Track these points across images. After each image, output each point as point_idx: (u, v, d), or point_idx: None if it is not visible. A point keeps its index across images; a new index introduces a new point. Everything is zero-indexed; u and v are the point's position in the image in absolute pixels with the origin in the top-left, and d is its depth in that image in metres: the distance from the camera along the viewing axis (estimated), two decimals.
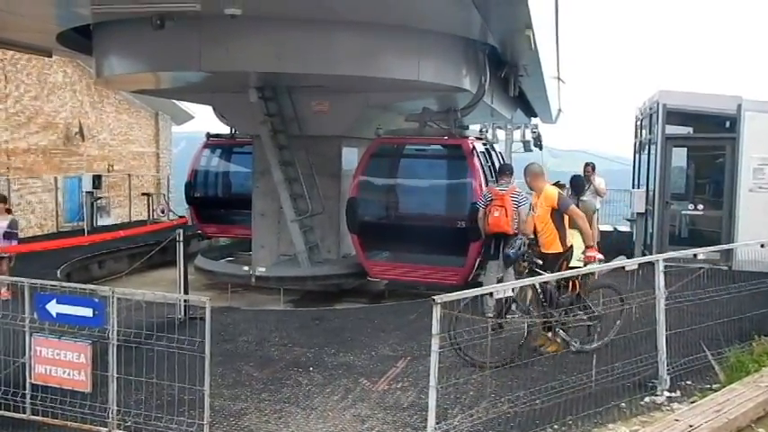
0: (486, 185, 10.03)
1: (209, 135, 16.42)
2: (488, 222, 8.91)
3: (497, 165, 11.39)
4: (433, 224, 10.94)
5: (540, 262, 6.79)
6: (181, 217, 9.13)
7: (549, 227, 6.86)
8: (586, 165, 12.01)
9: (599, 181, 11.55)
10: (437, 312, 4.94)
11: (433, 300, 4.95)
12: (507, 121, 21.67)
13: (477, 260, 10.12)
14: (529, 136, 22.75)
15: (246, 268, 11.75)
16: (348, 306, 10.67)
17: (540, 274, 6.56)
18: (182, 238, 8.57)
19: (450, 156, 11.17)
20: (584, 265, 6.73)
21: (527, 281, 6.37)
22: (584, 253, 6.73)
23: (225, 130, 15.52)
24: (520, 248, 6.75)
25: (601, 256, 6.82)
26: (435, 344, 4.97)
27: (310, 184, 12.08)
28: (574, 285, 6.74)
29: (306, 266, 11.91)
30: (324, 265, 11.98)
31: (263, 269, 11.65)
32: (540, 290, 6.66)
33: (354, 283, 11.67)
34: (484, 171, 10.53)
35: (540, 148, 22.60)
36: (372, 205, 11.30)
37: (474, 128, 12.93)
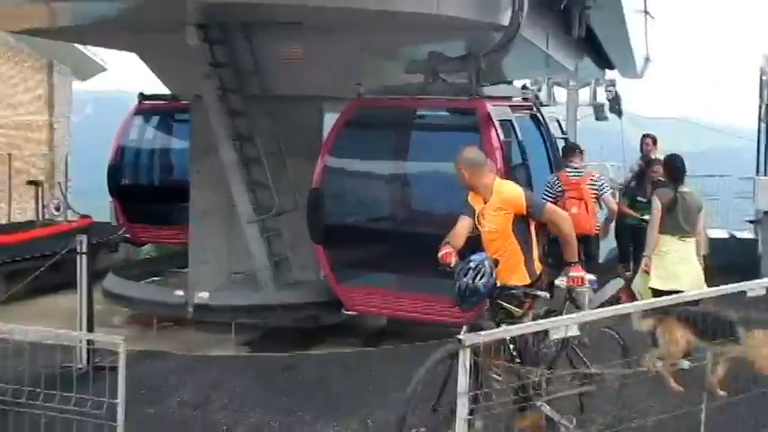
0: (512, 171, 10.00)
1: (142, 97, 16.56)
2: None
3: (550, 141, 11.38)
4: (432, 232, 10.96)
5: (546, 295, 6.38)
6: (83, 216, 9.05)
7: (510, 245, 6.39)
8: (645, 137, 12.38)
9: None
10: (465, 359, 4.92)
11: (459, 341, 4.93)
12: (570, 75, 21.66)
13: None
14: (602, 97, 22.76)
15: (180, 293, 11.74)
16: (332, 350, 10.68)
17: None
18: (85, 248, 8.53)
19: (456, 126, 11.20)
20: (568, 293, 6.44)
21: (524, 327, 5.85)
22: (565, 274, 6.44)
23: (167, 89, 15.60)
24: (492, 275, 6.08)
25: (591, 278, 6.46)
26: (463, 407, 4.94)
27: (277, 169, 12.10)
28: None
29: (270, 290, 11.89)
30: (296, 289, 11.96)
31: (206, 294, 11.64)
32: (510, 342, 6.08)
33: (341, 316, 11.66)
34: (509, 150, 10.39)
35: (619, 114, 22.65)
36: (345, 201, 11.34)
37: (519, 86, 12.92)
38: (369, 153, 11.27)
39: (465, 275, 6.05)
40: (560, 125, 12.27)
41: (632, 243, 11.69)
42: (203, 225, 13.06)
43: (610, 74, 22.80)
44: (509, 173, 9.97)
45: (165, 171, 16.53)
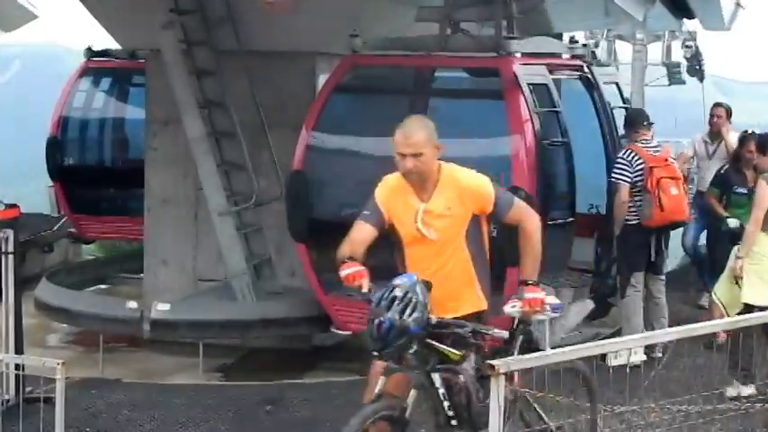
0: (545, 151, 9.98)
1: (90, 53, 16.64)
2: (661, 207, 9.75)
3: (605, 110, 11.32)
4: None
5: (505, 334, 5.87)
6: (9, 206, 9.06)
7: (459, 261, 5.99)
8: (715, 107, 12.25)
9: (733, 138, 11.64)
10: (497, 389, 4.94)
11: (491, 367, 4.96)
12: (637, 26, 21.64)
13: None
14: (678, 55, 22.74)
15: (134, 305, 11.78)
16: (327, 379, 10.71)
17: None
18: (11, 247, 8.58)
19: (476, 92, 11.19)
20: (520, 324, 6.16)
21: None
22: (519, 296, 6.08)
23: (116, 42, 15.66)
24: (426, 307, 5.53)
25: (554, 301, 6.21)
26: None
27: (257, 144, 12.16)
28: (512, 375, 5.71)
29: (248, 302, 11.94)
30: (281, 301, 12.00)
31: (166, 307, 11.67)
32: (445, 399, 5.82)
33: (337, 335, 11.68)
34: (543, 123, 10.32)
35: (701, 77, 22.61)
36: (334, 188, 11.34)
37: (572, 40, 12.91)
38: (365, 125, 11.25)
39: (388, 309, 5.43)
40: (620, 90, 12.12)
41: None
42: (162, 217, 13.10)
43: (688, 24, 22.75)
44: (541, 153, 10.00)
45: (120, 148, 16.62)
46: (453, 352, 5.67)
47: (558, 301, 6.24)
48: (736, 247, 8.92)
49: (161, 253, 13.08)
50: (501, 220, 6.16)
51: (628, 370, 7.30)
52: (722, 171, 11.25)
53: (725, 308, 8.78)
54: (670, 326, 9.30)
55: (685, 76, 23.28)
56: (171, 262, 13.01)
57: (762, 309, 8.07)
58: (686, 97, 24.01)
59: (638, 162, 9.88)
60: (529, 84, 10.26)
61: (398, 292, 5.46)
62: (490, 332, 5.72)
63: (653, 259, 10.04)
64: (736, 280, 8.71)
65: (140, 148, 15.29)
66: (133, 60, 15.70)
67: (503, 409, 5.06)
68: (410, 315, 5.41)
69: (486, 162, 10.79)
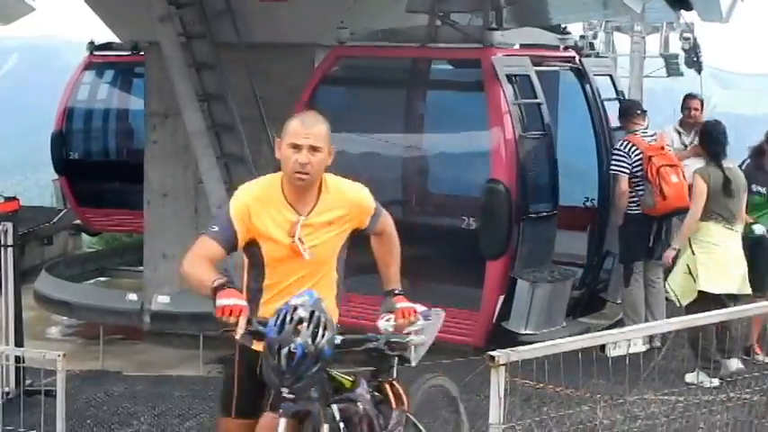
0: (524, 145, 9.92)
1: (93, 47, 16.63)
2: (663, 196, 9.78)
3: (596, 102, 11.24)
4: (420, 222, 10.98)
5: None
6: (8, 199, 9.06)
7: (329, 280, 5.28)
8: (688, 98, 11.47)
9: None
10: (497, 381, 4.96)
11: (491, 358, 4.97)
12: (635, 18, 21.63)
13: (502, 297, 10.02)
14: (676, 46, 22.73)
15: (134, 297, 11.79)
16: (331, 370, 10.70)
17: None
18: (10, 240, 8.59)
19: (458, 83, 11.16)
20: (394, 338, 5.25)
21: None
22: (389, 309, 5.41)
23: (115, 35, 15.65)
24: (334, 325, 4.78)
25: (422, 308, 5.45)
26: None
27: (257, 138, 12.17)
28: (397, 398, 5.36)
29: None
30: None
31: (166, 299, 11.70)
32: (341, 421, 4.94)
33: (340, 326, 11.67)
34: (524, 115, 10.28)
35: (699, 69, 22.61)
36: None
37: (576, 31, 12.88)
38: (350, 117, 11.24)
39: (297, 333, 4.55)
40: (613, 81, 11.99)
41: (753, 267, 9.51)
42: (162, 210, 13.10)
43: (686, 16, 22.74)
44: (520, 146, 9.95)
45: (125, 141, 16.70)
46: (347, 378, 5.09)
47: (425, 308, 5.49)
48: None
49: (161, 246, 13.08)
50: (368, 233, 5.38)
51: (627, 361, 7.32)
52: (742, 167, 10.11)
53: (678, 298, 9.00)
54: (669, 317, 9.31)
55: (683, 67, 23.24)
56: (171, 255, 13.01)
57: (715, 296, 8.58)
58: (684, 89, 23.88)
59: (636, 152, 9.90)
60: (509, 75, 10.17)
61: (303, 312, 4.59)
62: (407, 340, 5.18)
63: (650, 245, 10.05)
64: (690, 270, 8.88)
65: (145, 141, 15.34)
66: (136, 54, 15.69)
67: (502, 401, 5.06)
68: (323, 337, 4.59)
69: (466, 154, 10.84)
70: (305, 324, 4.57)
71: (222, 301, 4.66)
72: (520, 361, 5.27)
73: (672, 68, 23.51)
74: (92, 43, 16.66)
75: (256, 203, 4.98)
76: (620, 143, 10.20)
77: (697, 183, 8.95)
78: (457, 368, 9.54)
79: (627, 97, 13.24)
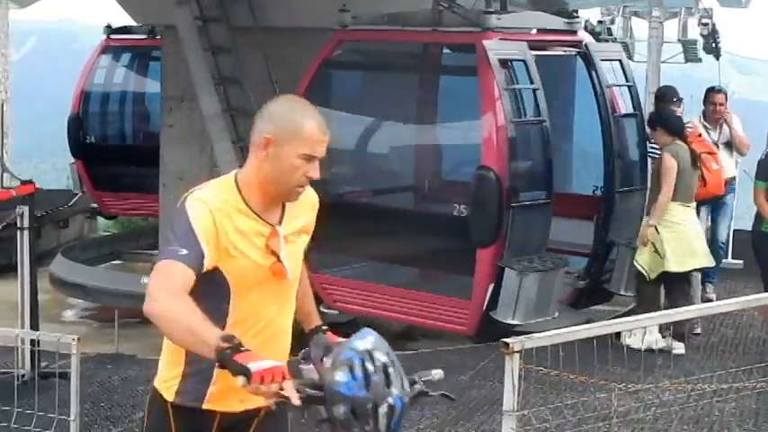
0: (519, 127, 9.74)
1: (110, 30, 16.68)
2: (704, 182, 9.74)
3: (602, 89, 10.98)
4: (412, 209, 10.94)
5: None
6: (25, 182, 9.08)
7: (293, 300, 4.17)
8: (715, 92, 11.17)
9: (737, 124, 11.05)
10: (512, 368, 4.94)
11: (505, 345, 4.96)
12: (653, 3, 21.53)
13: (492, 286, 9.77)
14: (695, 32, 22.62)
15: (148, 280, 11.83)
16: None
17: None
18: (26, 223, 8.59)
19: (455, 69, 11.09)
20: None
21: None
22: (321, 345, 4.28)
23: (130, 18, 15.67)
24: None
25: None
26: (509, 428, 4.99)
27: None
28: None
29: None
30: None
31: None
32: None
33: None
34: (515, 99, 10.04)
35: (717, 55, 22.48)
36: (321, 164, 11.25)
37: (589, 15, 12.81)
38: (351, 103, 11.27)
39: (389, 385, 3.42)
40: (623, 67, 11.62)
41: None
42: (177, 194, 13.08)
43: (705, 1, 22.68)
44: (512, 132, 9.65)
45: (141, 125, 16.74)
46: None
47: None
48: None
49: None
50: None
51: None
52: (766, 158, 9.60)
53: (647, 272, 9.23)
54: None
55: (701, 53, 23.10)
56: None
57: (681, 274, 9.12)
58: (702, 75, 23.84)
59: None
60: (504, 60, 9.93)
61: (383, 357, 3.48)
62: (429, 377, 3.78)
63: None
64: (655, 247, 9.11)
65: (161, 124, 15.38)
66: (153, 37, 15.70)
67: (516, 388, 5.05)
68: (407, 385, 3.54)
69: (459, 140, 10.76)
70: (390, 371, 3.48)
71: (257, 364, 3.35)
72: (534, 348, 5.26)
73: (690, 54, 23.36)
74: (108, 27, 16.69)
75: (219, 216, 3.76)
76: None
77: (668, 160, 9.07)
78: (469, 354, 9.56)
79: (646, 84, 13.14)
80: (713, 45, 22.40)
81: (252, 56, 12.07)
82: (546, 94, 9.99)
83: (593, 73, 10.98)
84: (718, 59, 22.51)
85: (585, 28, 12.05)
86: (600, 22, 12.25)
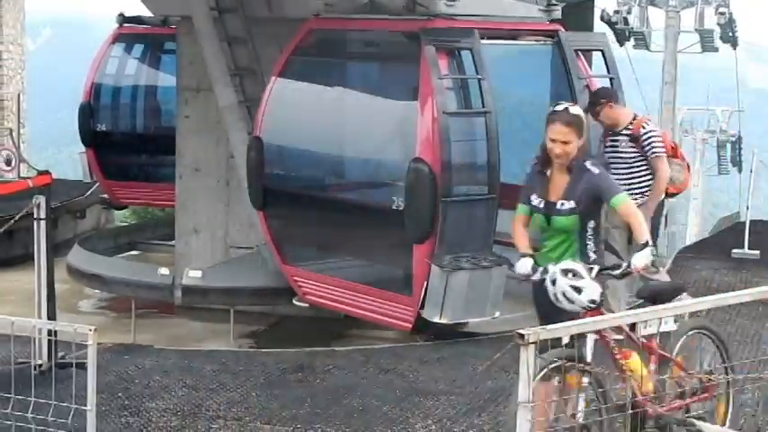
0: (458, 118, 9.46)
1: (123, 19, 16.70)
2: (689, 170, 10.06)
3: (572, 80, 10.67)
4: (357, 201, 10.89)
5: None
6: (41, 173, 9.12)
7: None
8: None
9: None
10: (527, 359, 4.97)
11: (520, 335, 4.98)
12: None
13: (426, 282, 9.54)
14: (711, 21, 22.50)
15: (165, 271, 11.83)
16: (358, 345, 10.71)
17: None
18: (43, 213, 8.63)
19: (400, 57, 10.70)
20: None
21: None
22: None
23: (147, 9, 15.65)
24: None
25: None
26: (525, 422, 5.00)
27: None
28: None
29: (278, 269, 11.94)
30: None
31: (198, 274, 11.73)
32: None
33: None
34: (456, 89, 9.71)
35: (734, 44, 22.38)
36: (291, 156, 11.32)
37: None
38: (321, 92, 11.11)
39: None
40: (605, 57, 11.26)
41: None
42: (193, 185, 13.13)
43: None
44: (450, 124, 9.35)
45: (152, 115, 16.67)
46: None
47: None
48: None
49: (192, 220, 13.12)
50: None
51: (658, 339, 7.29)
52: None
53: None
54: (702, 295, 9.27)
55: (718, 42, 23.02)
56: (202, 229, 13.05)
57: None
58: (719, 64, 23.77)
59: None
60: (445, 48, 9.63)
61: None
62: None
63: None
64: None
65: (173, 114, 15.33)
66: (165, 27, 15.69)
67: (531, 380, 5.05)
68: None
69: (398, 131, 10.54)
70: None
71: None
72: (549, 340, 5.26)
73: (707, 44, 23.26)
74: (121, 15, 16.67)
75: None
76: (651, 124, 9.89)
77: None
78: (485, 345, 9.55)
79: (662, 74, 13.08)
80: (730, 34, 22.32)
81: (267, 47, 12.04)
82: (517, 85, 9.78)
83: (567, 63, 10.64)
84: (735, 49, 22.44)
85: (602, 18, 11.96)
86: (616, 11, 12.12)
